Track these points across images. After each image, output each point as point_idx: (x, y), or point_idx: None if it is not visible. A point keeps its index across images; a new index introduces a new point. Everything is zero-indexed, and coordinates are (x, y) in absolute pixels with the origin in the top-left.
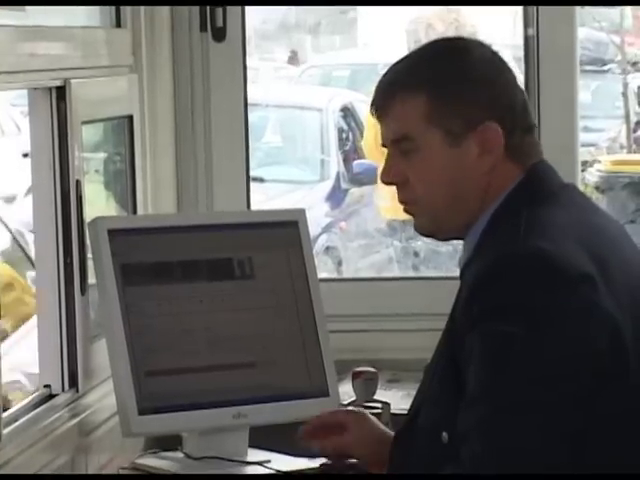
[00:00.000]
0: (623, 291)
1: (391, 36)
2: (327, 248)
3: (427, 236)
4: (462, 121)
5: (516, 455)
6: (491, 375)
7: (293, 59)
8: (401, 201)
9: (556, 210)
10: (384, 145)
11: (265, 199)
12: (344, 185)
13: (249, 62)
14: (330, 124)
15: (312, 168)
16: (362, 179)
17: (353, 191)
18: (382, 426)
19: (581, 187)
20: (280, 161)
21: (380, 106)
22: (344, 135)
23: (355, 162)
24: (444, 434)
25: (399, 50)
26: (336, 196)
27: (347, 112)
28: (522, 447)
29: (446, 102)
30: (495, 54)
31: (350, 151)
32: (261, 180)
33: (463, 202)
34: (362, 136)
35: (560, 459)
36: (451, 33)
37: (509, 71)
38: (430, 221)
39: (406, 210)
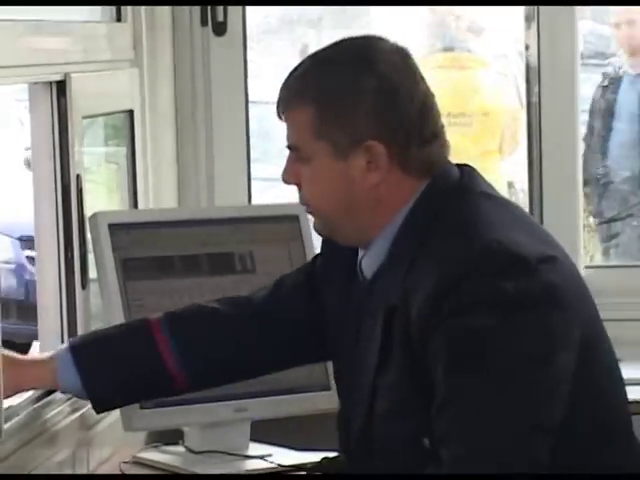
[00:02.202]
0: (570, 268)
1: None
2: None
3: (326, 237)
4: (348, 136)
5: (497, 451)
6: (461, 374)
7: (304, 52)
8: (301, 203)
9: (479, 202)
10: (287, 147)
11: None
12: None
13: (250, 56)
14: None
15: None
16: None
17: None
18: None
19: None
20: (259, 158)
21: (279, 111)
22: None
23: None
24: (425, 440)
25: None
26: None
27: None
28: (501, 444)
29: (332, 117)
30: (401, 64)
31: None
32: None
33: (353, 213)
34: None
35: (541, 451)
36: (453, 25)
37: (409, 83)
38: (323, 225)
39: (307, 211)
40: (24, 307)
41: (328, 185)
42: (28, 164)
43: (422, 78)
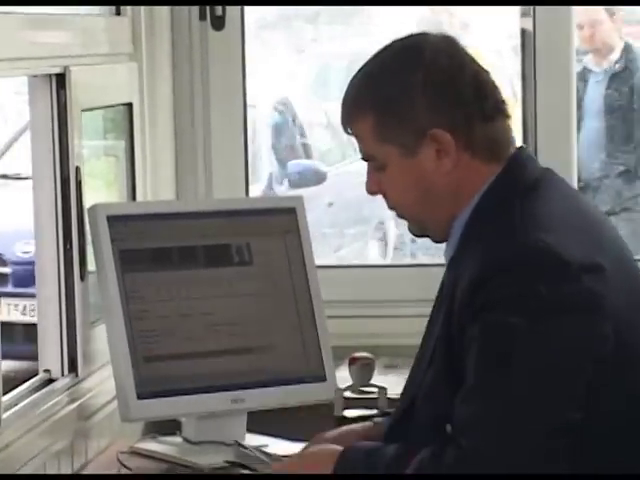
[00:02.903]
0: (621, 282)
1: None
2: None
3: (421, 237)
4: (411, 133)
5: (515, 447)
6: (491, 367)
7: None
8: (389, 208)
9: (545, 200)
10: (363, 159)
11: None
12: (277, 188)
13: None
14: (262, 120)
15: None
16: (298, 181)
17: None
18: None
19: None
20: None
21: (344, 125)
22: (280, 133)
23: (291, 162)
24: (448, 426)
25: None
26: None
27: (284, 108)
28: (521, 439)
29: (392, 118)
30: (447, 49)
31: (286, 151)
32: None
33: (436, 204)
34: (300, 133)
35: (560, 452)
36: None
37: (459, 66)
38: (415, 225)
39: (397, 215)
40: None
41: (407, 184)
42: None
43: (472, 59)
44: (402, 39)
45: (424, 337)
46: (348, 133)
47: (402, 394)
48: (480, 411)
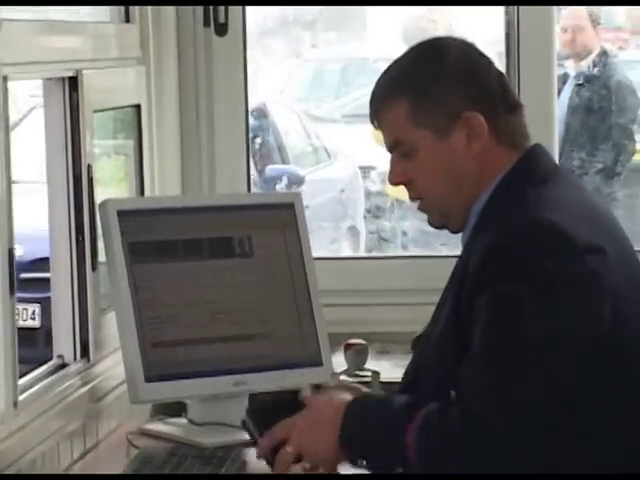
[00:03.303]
0: (621, 266)
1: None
2: None
3: (441, 228)
4: (445, 115)
5: (515, 410)
6: (496, 333)
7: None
8: (411, 199)
9: (557, 189)
10: (388, 151)
11: None
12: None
13: (250, 56)
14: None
15: None
16: (275, 186)
17: None
18: None
19: None
20: None
21: (373, 117)
22: (256, 138)
23: (268, 167)
24: (452, 392)
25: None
26: None
27: (260, 113)
28: (521, 402)
29: (426, 102)
30: (469, 48)
31: (262, 155)
32: None
33: (463, 187)
34: (276, 139)
35: (559, 422)
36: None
37: (483, 61)
38: (440, 213)
39: (419, 207)
40: None
41: (438, 167)
42: None
43: (490, 61)
44: (425, 41)
45: (433, 317)
46: (376, 127)
47: (410, 365)
48: (483, 375)
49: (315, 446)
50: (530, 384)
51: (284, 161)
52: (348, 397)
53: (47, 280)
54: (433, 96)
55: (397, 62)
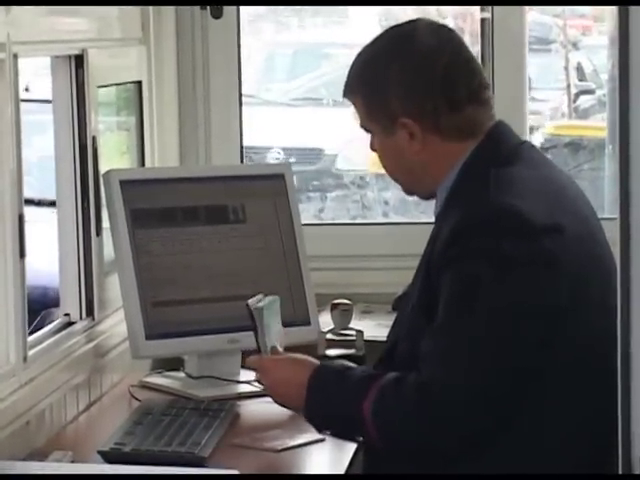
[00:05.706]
0: (581, 242)
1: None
2: None
3: (410, 195)
4: (387, 118)
5: (465, 377)
6: (455, 309)
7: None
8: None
9: (520, 169)
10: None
11: None
12: None
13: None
14: None
15: None
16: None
17: None
18: None
19: None
20: None
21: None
22: None
23: None
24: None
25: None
26: None
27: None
28: (471, 370)
29: (374, 103)
30: (432, 39)
31: None
32: None
33: (413, 175)
34: None
35: (509, 387)
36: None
37: (433, 51)
38: (402, 187)
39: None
40: None
41: (388, 155)
42: None
43: (456, 48)
44: (396, 26)
45: (413, 279)
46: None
47: (391, 329)
48: (441, 346)
49: (286, 403)
50: (482, 354)
51: None
52: (314, 362)
53: None
54: (378, 98)
55: (363, 52)
